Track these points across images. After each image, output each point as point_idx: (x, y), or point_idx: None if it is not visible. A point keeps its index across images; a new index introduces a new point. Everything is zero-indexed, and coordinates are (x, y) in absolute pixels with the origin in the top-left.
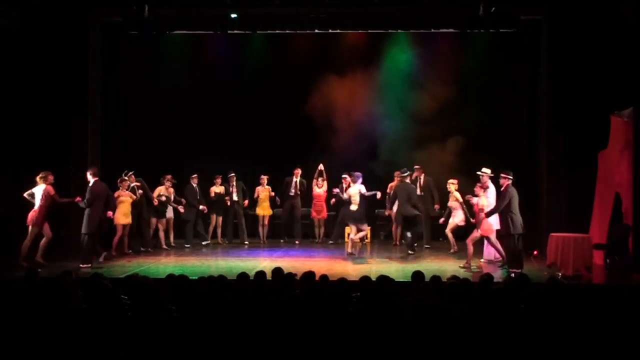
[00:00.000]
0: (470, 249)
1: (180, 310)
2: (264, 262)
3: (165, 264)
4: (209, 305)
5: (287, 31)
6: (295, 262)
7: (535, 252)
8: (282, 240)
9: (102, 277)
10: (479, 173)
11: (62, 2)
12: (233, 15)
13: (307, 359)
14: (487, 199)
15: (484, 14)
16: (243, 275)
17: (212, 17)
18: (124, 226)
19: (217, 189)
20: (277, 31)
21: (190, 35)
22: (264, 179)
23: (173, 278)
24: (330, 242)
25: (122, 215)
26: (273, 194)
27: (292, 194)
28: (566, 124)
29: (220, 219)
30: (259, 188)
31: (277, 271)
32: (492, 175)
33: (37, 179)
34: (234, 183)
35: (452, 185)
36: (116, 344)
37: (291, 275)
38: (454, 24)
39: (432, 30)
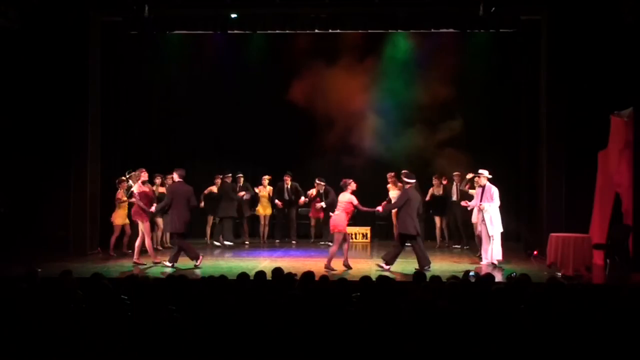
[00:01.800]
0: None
1: (180, 310)
2: (264, 262)
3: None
4: (209, 305)
5: (287, 31)
6: (295, 262)
7: (535, 252)
8: (277, 241)
9: (102, 277)
10: (476, 174)
11: (62, 2)
12: (233, 15)
13: (307, 359)
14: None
15: (484, 14)
16: (243, 276)
17: (212, 17)
18: (123, 226)
19: (216, 189)
20: (277, 31)
21: (190, 35)
22: (265, 179)
23: (173, 278)
24: (322, 243)
25: (120, 217)
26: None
27: (286, 198)
28: (566, 124)
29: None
30: (260, 188)
31: (277, 271)
32: (490, 177)
33: (132, 177)
34: (241, 184)
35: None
36: (116, 344)
37: (291, 275)
38: (454, 24)
39: (432, 30)
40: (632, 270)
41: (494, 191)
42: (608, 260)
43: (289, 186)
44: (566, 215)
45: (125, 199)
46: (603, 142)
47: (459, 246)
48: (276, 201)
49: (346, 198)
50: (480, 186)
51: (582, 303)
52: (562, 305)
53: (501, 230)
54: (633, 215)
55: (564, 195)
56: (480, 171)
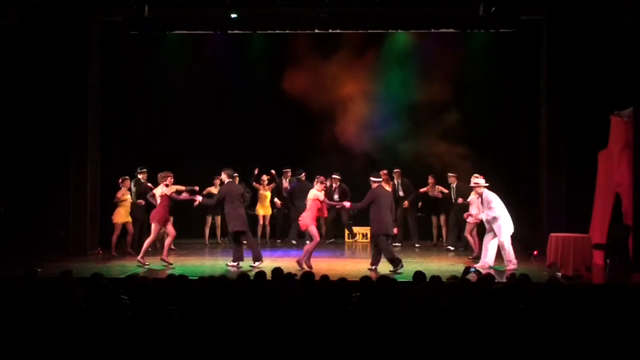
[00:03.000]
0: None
1: (180, 310)
2: (264, 262)
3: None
4: (209, 305)
5: (287, 31)
6: (295, 262)
7: (535, 252)
8: (278, 241)
9: (102, 277)
10: (472, 184)
11: (62, 2)
12: (233, 15)
13: (308, 359)
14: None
15: (484, 14)
16: (243, 275)
17: (212, 17)
18: (124, 225)
19: (215, 190)
20: (277, 31)
21: (190, 35)
22: (265, 179)
23: (173, 278)
24: (327, 242)
25: (120, 215)
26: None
27: (285, 195)
28: (566, 124)
29: (219, 218)
30: (260, 187)
31: (277, 271)
32: (486, 185)
33: (159, 178)
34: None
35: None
36: (116, 344)
37: (291, 275)
38: (454, 24)
39: (432, 30)
40: (632, 270)
41: (491, 199)
42: (608, 260)
43: (287, 180)
44: (566, 215)
45: (125, 198)
46: (603, 142)
47: (454, 248)
48: (275, 200)
49: (312, 195)
50: (477, 195)
51: (582, 303)
52: (562, 305)
53: (511, 232)
54: (633, 215)
55: (564, 195)
56: (476, 181)
